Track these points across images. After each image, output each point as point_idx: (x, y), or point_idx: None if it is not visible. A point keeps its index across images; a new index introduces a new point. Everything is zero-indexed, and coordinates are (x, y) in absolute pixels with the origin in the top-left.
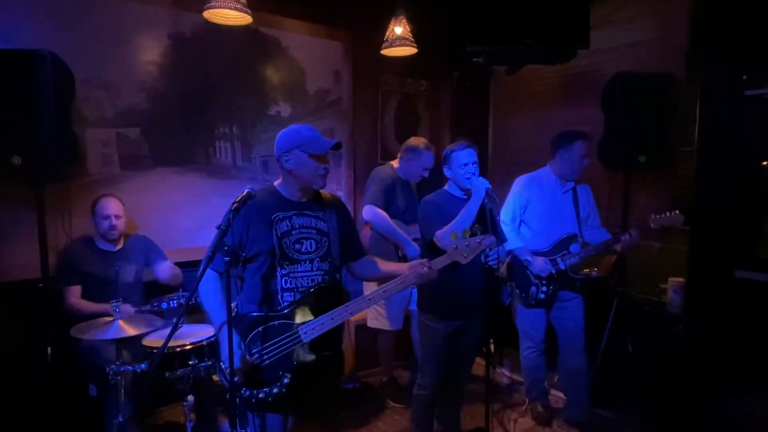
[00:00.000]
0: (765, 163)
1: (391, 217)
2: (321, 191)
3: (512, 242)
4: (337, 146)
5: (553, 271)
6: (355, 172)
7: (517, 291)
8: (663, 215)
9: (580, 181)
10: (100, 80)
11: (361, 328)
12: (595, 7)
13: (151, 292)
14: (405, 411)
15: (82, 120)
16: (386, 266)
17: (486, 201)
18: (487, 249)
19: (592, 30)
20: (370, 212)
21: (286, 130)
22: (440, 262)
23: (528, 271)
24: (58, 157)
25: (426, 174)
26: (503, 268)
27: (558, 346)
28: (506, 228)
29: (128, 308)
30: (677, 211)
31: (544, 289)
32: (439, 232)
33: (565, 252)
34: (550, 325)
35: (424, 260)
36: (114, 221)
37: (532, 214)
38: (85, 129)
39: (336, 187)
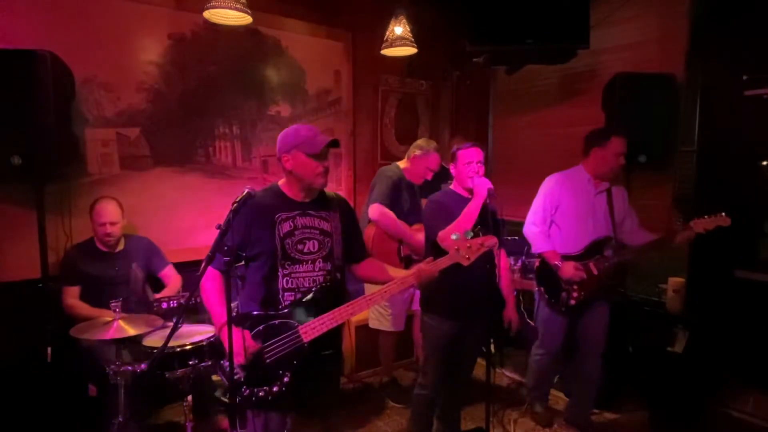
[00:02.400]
0: (765, 163)
1: None
2: (325, 190)
3: (542, 245)
4: (333, 144)
5: (585, 277)
6: (355, 172)
7: (546, 296)
8: (706, 217)
9: (614, 181)
10: (100, 80)
11: (361, 328)
12: (595, 7)
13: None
14: (405, 411)
15: (82, 120)
16: (394, 272)
17: (488, 201)
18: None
19: (592, 30)
20: (377, 211)
21: (286, 131)
22: (442, 263)
23: (558, 276)
24: (58, 157)
25: (429, 176)
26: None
27: (575, 350)
28: (536, 230)
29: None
30: (723, 214)
31: (575, 295)
32: (441, 233)
33: (598, 256)
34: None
35: (429, 258)
36: (109, 229)
37: (563, 215)
38: (85, 129)
39: (336, 187)
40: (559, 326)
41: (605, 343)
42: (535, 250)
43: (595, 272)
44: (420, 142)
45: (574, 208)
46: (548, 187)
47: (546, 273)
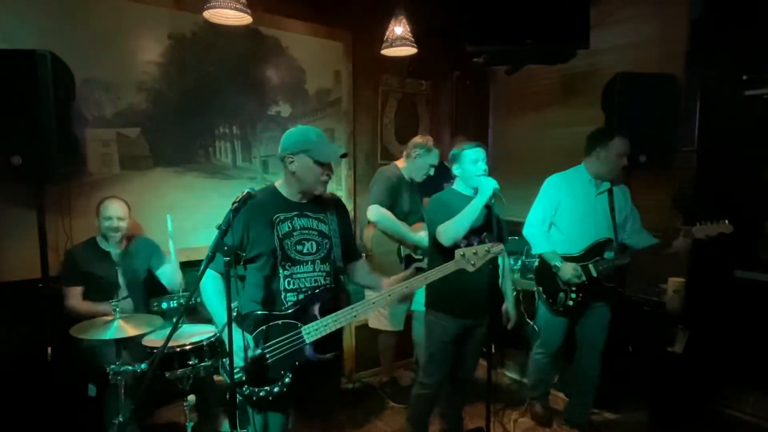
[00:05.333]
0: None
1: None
2: None
3: (541, 246)
4: (345, 156)
5: (584, 279)
6: (355, 172)
7: (544, 296)
8: (708, 224)
9: (616, 181)
10: (100, 80)
11: (361, 328)
12: (595, 7)
13: (152, 293)
14: (405, 411)
15: (82, 120)
16: (379, 277)
17: (492, 201)
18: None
19: (592, 30)
20: (376, 212)
21: (294, 131)
22: (447, 268)
23: (557, 277)
24: (58, 157)
25: (432, 171)
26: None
27: (575, 350)
28: (535, 230)
29: (128, 302)
30: (726, 221)
31: (573, 296)
32: (440, 226)
33: (597, 258)
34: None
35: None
36: (115, 222)
37: (563, 216)
38: (85, 129)
39: (336, 187)
40: (559, 327)
41: (604, 344)
42: (534, 250)
43: (594, 275)
44: (418, 140)
45: (575, 208)
46: (548, 187)
47: (545, 273)
